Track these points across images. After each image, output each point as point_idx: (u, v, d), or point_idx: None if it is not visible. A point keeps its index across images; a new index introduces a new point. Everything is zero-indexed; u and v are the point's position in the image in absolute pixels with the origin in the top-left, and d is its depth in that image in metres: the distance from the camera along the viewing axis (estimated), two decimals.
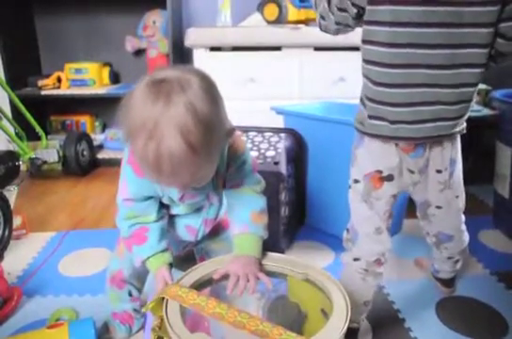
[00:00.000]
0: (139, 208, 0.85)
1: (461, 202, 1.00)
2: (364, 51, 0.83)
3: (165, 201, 0.87)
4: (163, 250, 0.86)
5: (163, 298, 0.72)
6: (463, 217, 1.04)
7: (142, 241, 0.85)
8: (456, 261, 1.14)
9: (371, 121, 0.86)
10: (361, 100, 0.88)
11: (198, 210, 0.93)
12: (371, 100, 0.84)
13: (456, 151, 0.91)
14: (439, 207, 0.98)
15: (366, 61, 0.83)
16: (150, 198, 0.85)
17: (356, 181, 0.93)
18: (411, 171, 0.90)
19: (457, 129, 0.87)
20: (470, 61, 0.78)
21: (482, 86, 1.99)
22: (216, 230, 1.00)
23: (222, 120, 0.71)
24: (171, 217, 0.93)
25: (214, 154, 0.71)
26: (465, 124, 0.89)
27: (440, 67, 0.78)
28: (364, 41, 0.82)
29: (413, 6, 0.74)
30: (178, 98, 0.64)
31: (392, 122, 0.83)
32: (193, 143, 0.64)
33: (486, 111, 1.98)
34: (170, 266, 0.85)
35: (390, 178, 0.90)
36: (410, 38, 0.76)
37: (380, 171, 0.89)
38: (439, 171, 0.90)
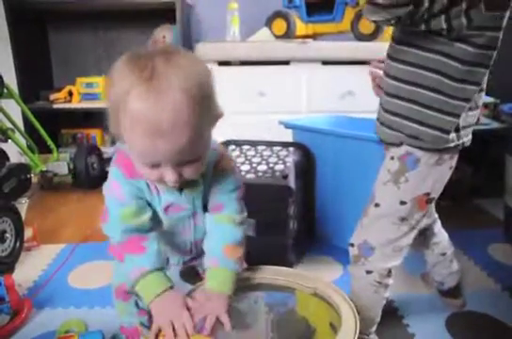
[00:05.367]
0: (136, 205, 0.79)
1: None
2: None
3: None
4: (162, 269, 0.79)
5: None
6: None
7: (139, 250, 0.78)
8: (451, 260, 1.13)
9: None
10: None
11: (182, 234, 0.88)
12: None
13: None
14: None
15: None
16: (141, 198, 0.80)
17: (402, 203, 0.89)
18: None
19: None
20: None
21: (490, 99, 2.00)
22: None
23: (214, 90, 0.70)
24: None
25: (208, 121, 0.69)
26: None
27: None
28: None
29: None
30: (167, 60, 0.64)
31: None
32: (194, 94, 0.63)
33: (494, 124, 1.98)
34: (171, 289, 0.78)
35: (433, 200, 0.90)
36: None
37: (428, 194, 0.89)
38: None
